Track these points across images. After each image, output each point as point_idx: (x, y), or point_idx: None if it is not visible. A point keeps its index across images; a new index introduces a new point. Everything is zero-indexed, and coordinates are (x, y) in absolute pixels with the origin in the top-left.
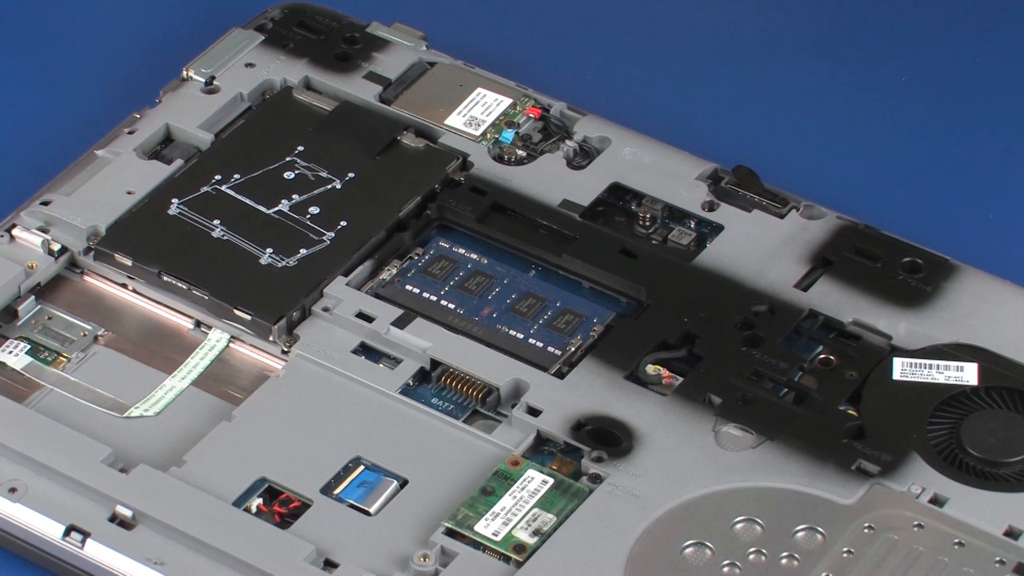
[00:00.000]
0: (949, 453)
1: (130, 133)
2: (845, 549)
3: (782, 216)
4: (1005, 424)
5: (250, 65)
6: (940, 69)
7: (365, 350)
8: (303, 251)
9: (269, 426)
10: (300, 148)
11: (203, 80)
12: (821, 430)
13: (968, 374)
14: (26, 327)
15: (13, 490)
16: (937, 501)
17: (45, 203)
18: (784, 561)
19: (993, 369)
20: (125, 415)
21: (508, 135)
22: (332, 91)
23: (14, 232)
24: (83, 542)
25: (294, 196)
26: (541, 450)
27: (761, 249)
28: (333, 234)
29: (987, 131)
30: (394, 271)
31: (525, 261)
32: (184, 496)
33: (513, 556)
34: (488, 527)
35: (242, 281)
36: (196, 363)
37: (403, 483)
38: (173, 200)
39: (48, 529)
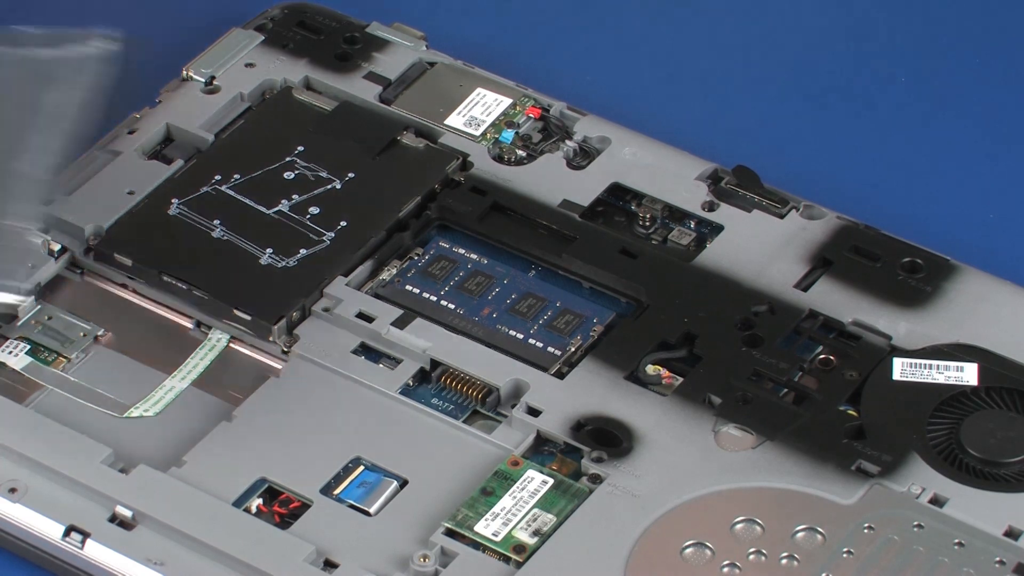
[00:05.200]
0: (949, 453)
1: (130, 133)
2: (845, 549)
3: (782, 216)
4: (1005, 424)
5: (250, 65)
6: (940, 69)
7: (365, 350)
8: (303, 251)
9: (269, 426)
10: (300, 148)
11: (203, 80)
12: (821, 430)
13: (968, 374)
14: (26, 327)
15: (13, 490)
16: (937, 501)
17: (46, 203)
18: (784, 561)
19: (993, 369)
20: (125, 415)
21: (508, 135)
22: (332, 91)
23: None
24: (83, 542)
25: (294, 196)
26: (541, 450)
27: (761, 249)
28: (333, 234)
29: (987, 131)
30: (394, 271)
31: (525, 261)
32: (184, 496)
33: (513, 556)
34: (488, 527)
35: (242, 281)
36: (196, 363)
37: (403, 483)
38: (173, 200)
39: (48, 529)
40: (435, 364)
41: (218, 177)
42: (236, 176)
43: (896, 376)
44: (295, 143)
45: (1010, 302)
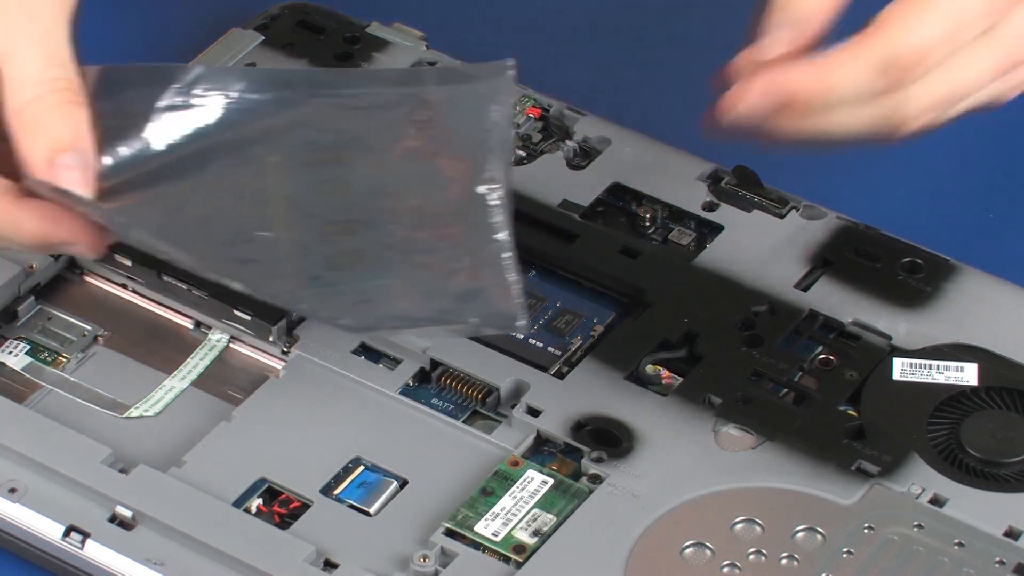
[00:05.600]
0: (949, 453)
1: None
2: (845, 549)
3: (782, 216)
4: (1005, 424)
5: (250, 65)
6: None
7: (365, 350)
8: None
9: (269, 426)
10: None
11: None
12: (821, 430)
13: (968, 374)
14: (26, 327)
15: (13, 490)
16: (937, 501)
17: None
18: (784, 561)
19: (993, 369)
20: (125, 415)
21: None
22: None
23: None
24: (83, 542)
25: None
26: (541, 450)
27: (761, 249)
28: None
29: (988, 131)
30: None
31: (525, 261)
32: (184, 496)
33: (513, 556)
34: (488, 527)
35: None
36: (196, 363)
37: (403, 483)
38: None
39: (48, 529)
40: (435, 364)
41: None
42: None
43: (896, 376)
44: None
45: (1010, 302)
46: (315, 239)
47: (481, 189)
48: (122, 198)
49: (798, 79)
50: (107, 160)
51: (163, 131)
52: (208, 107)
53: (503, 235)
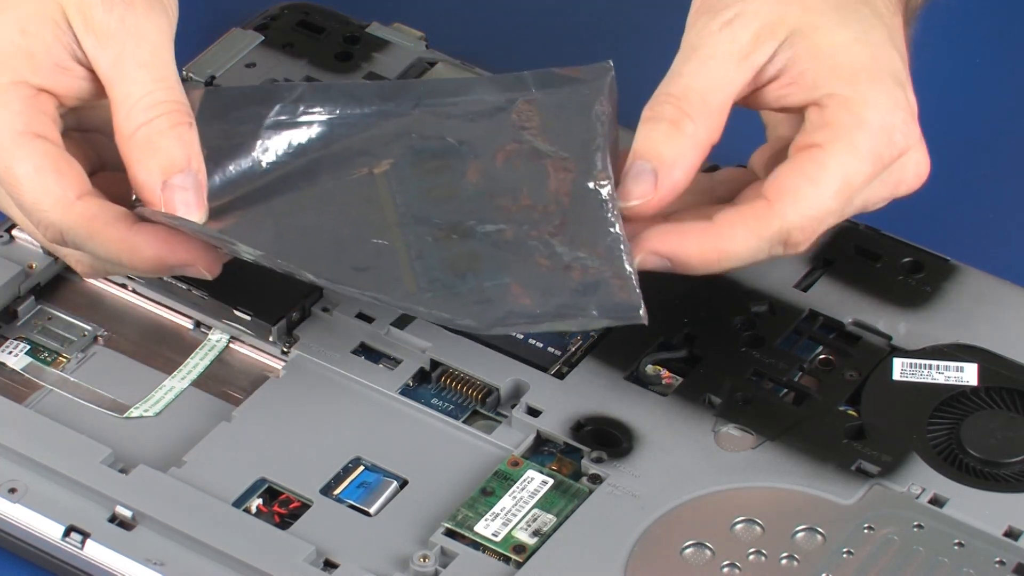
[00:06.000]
0: (949, 453)
1: None
2: (845, 549)
3: None
4: (1005, 424)
5: (250, 65)
6: (939, 67)
7: (365, 350)
8: None
9: (269, 426)
10: None
11: (203, 81)
12: (821, 430)
13: (968, 374)
14: (26, 327)
15: (13, 490)
16: (937, 501)
17: None
18: (784, 561)
19: (993, 369)
20: (125, 415)
21: None
22: None
23: (14, 232)
24: (83, 542)
25: None
26: (541, 450)
27: None
28: None
29: (987, 129)
30: None
31: None
32: (184, 496)
33: (513, 556)
34: (488, 527)
35: (242, 281)
36: (196, 363)
37: (403, 483)
38: None
39: (48, 529)
40: (435, 364)
41: None
42: None
43: (896, 376)
44: None
45: (1010, 302)
46: (428, 243)
47: (592, 185)
48: (232, 217)
49: (692, 251)
50: (215, 180)
51: (270, 149)
52: (313, 123)
53: (617, 228)
